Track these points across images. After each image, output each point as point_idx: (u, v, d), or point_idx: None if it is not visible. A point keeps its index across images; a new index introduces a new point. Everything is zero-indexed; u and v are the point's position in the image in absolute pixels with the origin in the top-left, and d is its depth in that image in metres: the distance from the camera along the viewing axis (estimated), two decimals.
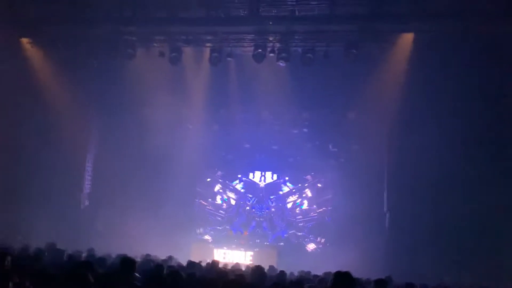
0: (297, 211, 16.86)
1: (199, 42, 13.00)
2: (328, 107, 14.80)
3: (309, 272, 9.49)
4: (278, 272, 8.28)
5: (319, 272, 9.08)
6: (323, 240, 16.17)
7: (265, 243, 16.36)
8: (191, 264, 8.66)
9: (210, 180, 17.55)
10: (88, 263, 5.20)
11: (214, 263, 8.97)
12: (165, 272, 6.30)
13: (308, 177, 16.86)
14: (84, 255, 8.94)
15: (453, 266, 12.07)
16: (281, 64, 12.67)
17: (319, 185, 16.73)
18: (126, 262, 5.67)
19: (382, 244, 13.47)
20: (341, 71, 13.08)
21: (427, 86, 12.30)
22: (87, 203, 16.06)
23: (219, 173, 17.58)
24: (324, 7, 11.89)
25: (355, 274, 7.69)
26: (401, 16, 11.54)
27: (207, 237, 16.94)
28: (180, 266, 8.87)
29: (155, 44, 13.14)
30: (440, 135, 12.58)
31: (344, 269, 4.71)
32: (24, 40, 13.85)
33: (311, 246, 16.36)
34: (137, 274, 5.94)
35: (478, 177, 12.32)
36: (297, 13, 12.04)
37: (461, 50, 11.38)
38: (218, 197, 17.46)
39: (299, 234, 16.62)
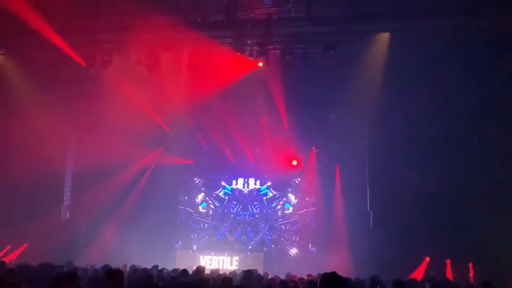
0: (281, 216, 16.87)
1: (176, 48, 12.88)
2: (310, 109, 14.85)
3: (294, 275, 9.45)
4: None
5: (305, 275, 9.06)
6: (308, 243, 16.19)
7: (250, 248, 16.31)
8: (182, 272, 8.51)
9: (193, 189, 17.45)
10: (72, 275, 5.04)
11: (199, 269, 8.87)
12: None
13: (291, 181, 16.89)
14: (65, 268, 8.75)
15: (437, 260, 12.26)
16: (259, 66, 12.66)
17: (302, 188, 16.77)
18: (114, 274, 5.51)
19: (367, 243, 13.53)
20: (320, 73, 13.13)
21: (405, 86, 12.43)
22: (68, 215, 15.76)
23: (202, 181, 17.50)
24: (300, 9, 11.91)
25: (342, 274, 7.72)
26: (377, 16, 11.63)
27: (192, 245, 16.80)
28: (168, 274, 8.75)
29: (132, 51, 12.96)
30: (418, 134, 12.77)
31: (330, 270, 4.63)
32: None
33: (296, 249, 16.35)
34: None
35: (457, 175, 12.49)
36: (274, 16, 12.03)
37: (437, 49, 11.54)
38: (203, 205, 17.35)
39: (284, 238, 16.60)
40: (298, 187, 16.88)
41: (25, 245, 13.52)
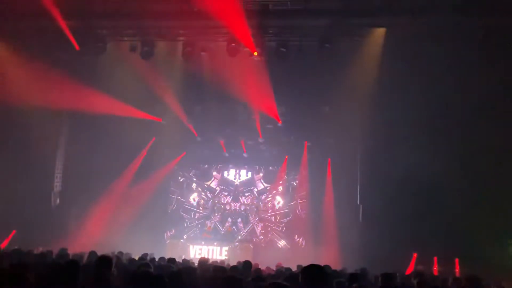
0: (272, 208, 16.93)
1: (171, 36, 12.80)
2: (303, 102, 14.86)
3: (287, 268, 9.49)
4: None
5: (294, 266, 9.12)
6: (298, 235, 16.29)
7: (240, 239, 16.37)
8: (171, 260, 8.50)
9: (185, 178, 17.45)
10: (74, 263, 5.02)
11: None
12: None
13: (283, 173, 16.94)
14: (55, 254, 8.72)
15: (425, 255, 12.42)
16: (255, 58, 12.61)
17: (293, 181, 16.85)
18: (102, 261, 5.51)
19: (356, 236, 13.63)
20: (315, 66, 13.13)
21: (398, 81, 12.47)
22: (58, 201, 15.69)
23: (194, 171, 17.51)
24: (297, 2, 11.87)
25: (331, 266, 7.80)
26: (373, 11, 11.64)
27: (183, 234, 16.83)
28: (159, 263, 8.74)
29: (126, 38, 12.86)
30: (411, 129, 12.84)
31: (319, 262, 4.67)
32: None
33: (286, 241, 16.44)
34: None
35: (446, 169, 12.60)
36: (270, 7, 11.99)
37: (432, 45, 11.59)
38: (194, 195, 17.37)
39: (274, 229, 16.68)
40: (289, 180, 16.94)
41: (14, 232, 13.43)
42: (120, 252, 10.28)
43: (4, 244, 12.79)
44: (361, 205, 14.37)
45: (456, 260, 12.32)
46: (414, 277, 7.10)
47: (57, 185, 15.78)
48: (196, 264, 8.73)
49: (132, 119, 14.80)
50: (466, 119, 12.45)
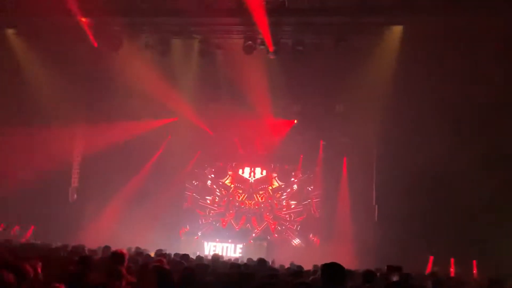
0: (286, 206, 16.89)
1: (187, 34, 12.84)
2: (318, 100, 14.77)
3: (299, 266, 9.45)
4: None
5: (308, 265, 9.07)
6: (312, 234, 16.22)
7: (254, 236, 16.37)
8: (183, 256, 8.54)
9: (200, 175, 17.50)
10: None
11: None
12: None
13: (297, 171, 16.87)
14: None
15: (442, 258, 12.22)
16: (270, 56, 12.57)
17: (308, 180, 16.77)
18: (116, 256, 5.55)
19: (371, 237, 13.52)
20: (330, 64, 13.04)
21: (415, 79, 12.31)
22: (75, 196, 15.90)
23: (209, 168, 17.56)
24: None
25: (345, 266, 7.72)
26: (390, 9, 11.50)
27: (198, 231, 16.90)
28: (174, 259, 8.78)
29: (143, 35, 12.93)
30: (427, 129, 12.66)
31: (332, 261, 4.63)
32: (9, 31, 13.59)
33: (300, 239, 16.39)
34: None
35: (464, 171, 12.38)
36: (287, 4, 11.93)
37: (450, 44, 11.42)
38: (209, 193, 17.42)
39: (289, 227, 16.65)
40: (303, 178, 16.87)
41: (32, 227, 13.64)
42: (138, 248, 10.35)
43: (25, 238, 13.01)
44: (376, 205, 14.24)
45: (474, 262, 12.10)
46: (430, 278, 7.00)
47: (75, 180, 15.98)
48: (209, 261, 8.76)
49: (148, 116, 14.92)
50: (485, 117, 12.22)
